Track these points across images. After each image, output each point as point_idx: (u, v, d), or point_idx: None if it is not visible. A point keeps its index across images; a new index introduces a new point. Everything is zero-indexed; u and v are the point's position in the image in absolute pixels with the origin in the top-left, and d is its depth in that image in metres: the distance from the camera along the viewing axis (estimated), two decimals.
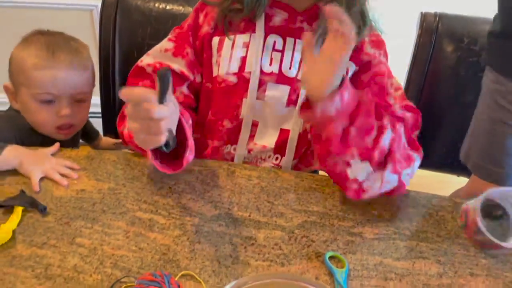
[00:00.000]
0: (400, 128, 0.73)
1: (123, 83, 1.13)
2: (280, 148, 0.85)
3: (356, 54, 0.79)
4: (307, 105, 0.68)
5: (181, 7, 1.05)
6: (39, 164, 0.76)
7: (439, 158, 1.16)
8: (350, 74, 0.80)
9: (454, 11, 1.08)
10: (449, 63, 1.06)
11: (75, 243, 0.66)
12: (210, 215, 0.73)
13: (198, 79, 0.84)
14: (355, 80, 0.79)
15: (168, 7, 1.06)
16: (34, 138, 0.91)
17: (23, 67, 0.85)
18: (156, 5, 1.06)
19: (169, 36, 0.85)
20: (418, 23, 1.08)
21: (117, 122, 0.84)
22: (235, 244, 0.68)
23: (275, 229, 0.72)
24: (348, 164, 0.69)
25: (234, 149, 0.86)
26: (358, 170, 0.69)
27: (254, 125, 0.84)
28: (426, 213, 0.78)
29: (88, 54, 0.94)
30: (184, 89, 0.84)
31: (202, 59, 0.83)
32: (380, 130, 0.69)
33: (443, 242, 0.73)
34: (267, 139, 0.85)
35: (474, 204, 0.73)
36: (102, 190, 0.75)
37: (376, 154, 0.68)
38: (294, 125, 0.83)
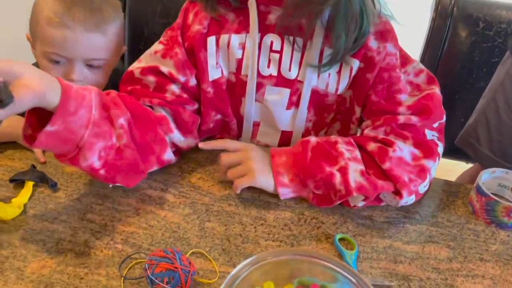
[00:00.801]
0: (404, 145, 0.71)
1: (132, 61, 1.13)
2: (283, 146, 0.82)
3: (360, 49, 0.74)
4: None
5: None
6: None
7: (450, 143, 1.15)
8: (354, 71, 0.75)
9: None
10: (463, 48, 1.04)
11: (86, 218, 0.66)
12: (220, 195, 0.73)
13: (192, 82, 0.77)
14: (362, 79, 0.75)
15: None
16: None
17: (38, 18, 0.81)
18: None
19: (161, 39, 0.80)
20: (432, 6, 1.06)
21: None
22: (244, 224, 0.68)
23: (285, 210, 0.72)
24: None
25: None
26: (353, 200, 0.72)
27: (256, 124, 0.83)
28: (437, 198, 0.78)
29: (114, 14, 0.85)
30: (174, 87, 0.76)
31: (195, 60, 0.76)
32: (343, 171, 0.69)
33: (453, 227, 0.73)
34: (270, 139, 0.84)
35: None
36: None
37: (354, 194, 0.68)
38: (297, 126, 0.81)
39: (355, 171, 0.68)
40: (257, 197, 0.73)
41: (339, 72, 0.76)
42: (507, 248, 0.70)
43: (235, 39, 0.75)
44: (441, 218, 0.74)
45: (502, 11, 1.02)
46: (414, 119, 0.72)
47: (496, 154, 0.99)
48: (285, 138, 0.83)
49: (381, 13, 0.75)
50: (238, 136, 0.86)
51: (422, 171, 0.70)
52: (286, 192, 0.71)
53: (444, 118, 0.76)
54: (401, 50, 0.78)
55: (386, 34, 0.75)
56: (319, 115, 0.81)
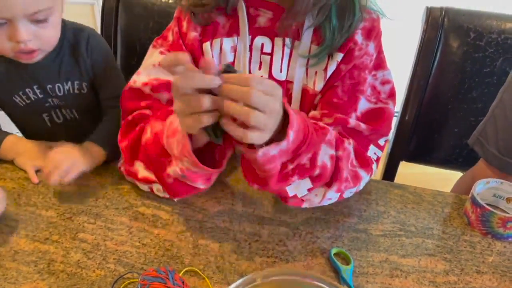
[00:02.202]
0: (349, 145, 0.70)
1: (125, 76, 1.13)
2: None
3: (346, 42, 0.73)
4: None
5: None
6: (33, 158, 0.76)
7: (444, 154, 1.16)
8: (335, 64, 0.74)
9: (459, 5, 1.07)
10: (455, 58, 1.05)
11: (78, 238, 0.66)
12: (213, 211, 0.73)
13: None
14: (337, 68, 0.74)
15: (170, 1, 1.05)
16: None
17: None
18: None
19: (157, 49, 0.79)
20: (423, 17, 1.07)
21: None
22: (239, 240, 0.68)
23: (280, 225, 0.71)
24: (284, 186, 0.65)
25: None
26: (298, 187, 0.66)
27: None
28: (432, 209, 0.78)
29: None
30: None
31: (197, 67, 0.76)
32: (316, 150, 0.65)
33: (449, 239, 0.73)
34: None
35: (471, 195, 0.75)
36: (105, 185, 0.75)
37: (317, 172, 0.65)
38: None
39: (326, 154, 0.66)
40: (251, 212, 0.73)
41: (325, 70, 0.75)
42: (503, 260, 0.70)
43: (227, 43, 0.77)
44: (437, 230, 0.74)
45: (492, 21, 1.03)
46: (363, 126, 0.72)
47: (502, 152, 1.00)
48: None
49: (369, 8, 0.75)
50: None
51: (356, 177, 0.71)
52: (291, 135, 0.58)
53: (389, 136, 0.77)
54: (380, 52, 0.78)
55: (372, 32, 0.75)
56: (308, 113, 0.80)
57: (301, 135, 0.59)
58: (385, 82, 0.77)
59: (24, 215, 0.69)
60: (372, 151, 0.75)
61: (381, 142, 0.76)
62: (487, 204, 0.73)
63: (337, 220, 0.73)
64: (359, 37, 0.74)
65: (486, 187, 0.77)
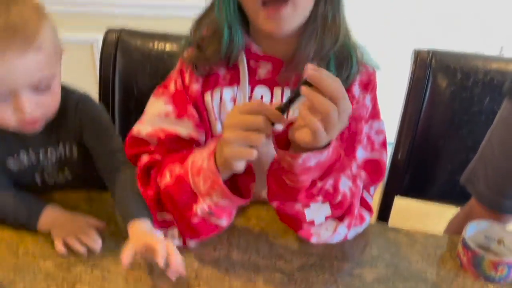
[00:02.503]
0: (360, 183, 0.73)
1: (122, 120, 1.16)
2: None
3: None
4: (284, 142, 0.65)
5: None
6: (65, 230, 0.75)
7: (439, 189, 1.17)
8: None
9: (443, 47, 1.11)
10: (444, 97, 1.08)
11: None
12: (209, 258, 0.74)
13: (203, 138, 0.80)
14: None
15: (167, 48, 1.09)
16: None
17: None
18: (155, 45, 1.09)
19: (160, 98, 0.80)
20: (412, 59, 1.10)
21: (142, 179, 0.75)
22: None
23: (275, 271, 0.72)
24: (307, 205, 0.68)
25: None
26: (318, 212, 0.68)
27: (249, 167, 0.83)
28: (425, 252, 0.79)
29: (38, 20, 0.68)
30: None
31: (201, 118, 0.79)
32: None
33: (443, 282, 0.73)
34: (262, 187, 0.82)
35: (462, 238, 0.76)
36: (102, 233, 0.76)
37: (338, 199, 0.69)
38: None
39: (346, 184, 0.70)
40: (247, 259, 0.74)
41: None
42: None
43: (227, 93, 0.78)
44: (430, 273, 0.75)
45: (478, 62, 1.06)
46: (363, 174, 0.76)
47: (492, 191, 1.02)
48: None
49: (365, 62, 0.79)
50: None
51: (361, 217, 0.76)
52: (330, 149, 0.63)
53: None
54: (376, 104, 0.81)
55: (368, 85, 0.79)
56: None
57: (335, 154, 0.64)
58: (379, 132, 0.80)
59: (22, 266, 0.70)
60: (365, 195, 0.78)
61: (372, 190, 0.78)
62: (479, 245, 0.74)
63: (332, 265, 0.74)
64: (356, 90, 0.78)
65: (477, 229, 0.79)
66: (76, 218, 0.77)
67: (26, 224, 0.76)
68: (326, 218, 0.70)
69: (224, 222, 0.70)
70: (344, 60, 0.75)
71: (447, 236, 0.84)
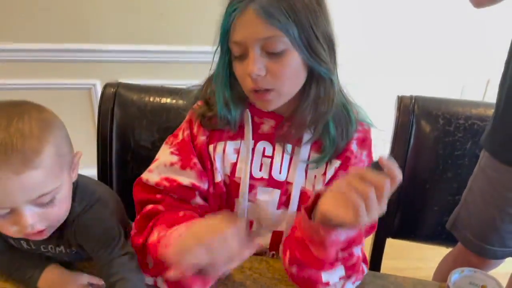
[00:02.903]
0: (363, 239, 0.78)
1: (119, 170, 1.19)
2: (274, 246, 0.87)
3: (343, 151, 0.81)
4: (309, 215, 0.70)
5: (174, 101, 1.13)
6: None
7: (428, 231, 1.20)
8: (333, 170, 0.81)
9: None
10: (428, 142, 1.12)
11: None
12: None
13: (206, 186, 0.84)
14: (335, 175, 0.82)
15: (162, 101, 1.13)
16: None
17: None
18: (151, 99, 1.14)
19: (168, 148, 0.84)
20: (395, 105, 1.15)
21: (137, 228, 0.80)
22: None
23: None
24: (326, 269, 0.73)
25: None
26: (333, 274, 0.73)
27: (250, 224, 0.86)
28: None
29: (41, 134, 0.64)
30: (198, 200, 0.83)
31: (205, 167, 0.83)
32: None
33: None
34: (262, 239, 0.87)
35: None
36: None
37: (353, 261, 0.73)
38: (287, 225, 0.84)
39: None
40: None
41: (324, 174, 0.82)
42: None
43: (230, 145, 0.83)
44: None
45: (458, 108, 1.12)
46: None
47: (476, 237, 1.05)
48: (276, 238, 0.86)
49: (362, 120, 0.84)
50: None
51: (362, 271, 0.80)
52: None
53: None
54: (371, 158, 0.85)
55: (365, 142, 0.84)
56: None
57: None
58: None
59: None
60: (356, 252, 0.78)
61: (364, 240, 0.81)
62: None
63: None
64: (354, 147, 0.82)
65: (461, 276, 0.81)
66: (74, 279, 0.79)
67: (28, 283, 0.78)
68: (340, 278, 0.75)
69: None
70: (342, 120, 0.80)
71: (434, 283, 0.87)
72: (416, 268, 1.54)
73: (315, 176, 0.82)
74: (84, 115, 1.97)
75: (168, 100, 1.13)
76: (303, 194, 0.83)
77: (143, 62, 1.87)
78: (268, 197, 0.83)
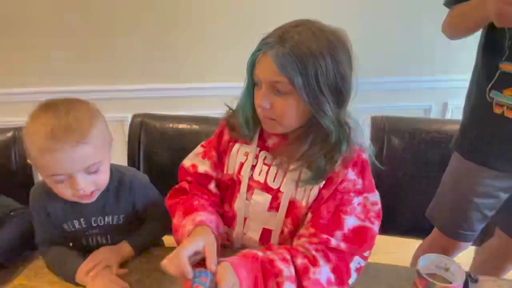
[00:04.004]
0: (315, 274, 0.70)
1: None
2: (264, 241, 0.84)
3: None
4: None
5: (189, 126, 1.17)
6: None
7: (403, 225, 1.20)
8: (317, 188, 0.77)
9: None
10: (398, 154, 1.14)
11: None
12: None
13: (220, 176, 0.87)
14: (318, 194, 0.77)
15: (180, 127, 1.17)
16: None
17: (31, 150, 0.73)
18: (170, 125, 1.18)
19: (202, 143, 0.91)
20: (369, 124, 1.17)
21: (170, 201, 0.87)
22: None
23: None
24: None
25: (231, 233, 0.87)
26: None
27: (246, 219, 0.85)
28: (389, 283, 0.80)
29: (91, 121, 0.74)
30: (212, 186, 0.87)
31: (222, 160, 0.87)
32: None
33: None
34: (254, 234, 0.85)
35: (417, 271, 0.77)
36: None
37: None
38: (276, 226, 0.82)
39: None
40: None
41: (311, 190, 0.78)
42: None
43: (243, 148, 0.84)
44: None
45: (419, 124, 1.14)
46: (343, 246, 0.72)
47: (450, 223, 1.06)
48: (266, 234, 0.83)
49: (355, 142, 0.77)
50: (233, 229, 0.86)
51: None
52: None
53: (371, 250, 0.77)
54: (365, 178, 0.78)
55: (350, 161, 0.76)
56: (295, 223, 0.81)
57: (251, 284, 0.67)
58: (374, 203, 0.77)
59: None
60: (356, 262, 0.74)
61: (365, 253, 0.75)
62: (431, 273, 0.77)
63: None
64: (337, 167, 0.75)
65: (428, 260, 0.81)
66: (105, 276, 0.78)
67: (67, 276, 0.80)
68: None
69: None
70: (332, 152, 0.75)
71: (406, 268, 0.86)
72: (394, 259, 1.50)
73: (304, 189, 0.79)
74: (118, 140, 1.99)
75: (184, 127, 1.17)
76: (291, 203, 0.80)
77: (164, 97, 1.92)
78: (261, 199, 0.82)
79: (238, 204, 0.84)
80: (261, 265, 0.69)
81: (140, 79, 1.86)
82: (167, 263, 0.65)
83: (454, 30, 0.96)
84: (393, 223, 1.19)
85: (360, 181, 0.77)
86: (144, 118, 1.21)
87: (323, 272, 0.71)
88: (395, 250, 1.22)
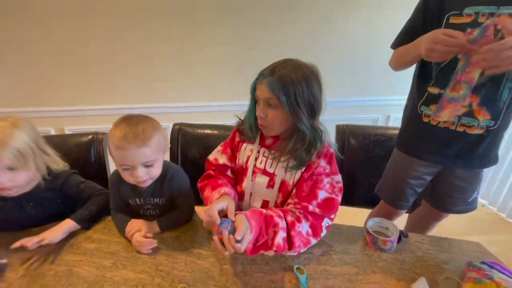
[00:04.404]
0: (300, 228, 0.73)
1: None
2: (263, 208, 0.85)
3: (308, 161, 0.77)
4: None
5: (212, 132, 1.17)
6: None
7: (358, 198, 1.20)
8: (299, 172, 0.77)
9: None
10: (355, 149, 1.15)
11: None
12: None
13: (233, 165, 0.87)
14: (301, 176, 0.78)
15: (205, 132, 1.17)
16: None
17: (109, 145, 0.76)
18: (199, 131, 1.18)
19: (221, 143, 0.91)
20: (335, 130, 1.18)
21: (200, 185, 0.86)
22: (243, 264, 0.72)
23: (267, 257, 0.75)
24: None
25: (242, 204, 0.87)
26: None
27: (251, 194, 0.85)
28: (348, 237, 0.83)
29: (153, 132, 0.76)
30: (229, 173, 0.87)
31: (235, 154, 0.87)
32: (275, 233, 0.70)
33: (357, 254, 0.77)
34: (257, 204, 0.85)
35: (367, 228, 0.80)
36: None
37: (274, 248, 0.70)
38: (271, 198, 0.83)
39: (280, 237, 0.71)
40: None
41: (296, 173, 0.79)
42: (386, 264, 0.74)
43: (249, 146, 0.85)
44: (350, 249, 0.79)
45: (370, 130, 1.15)
46: (317, 210, 0.75)
47: (392, 195, 1.07)
48: (265, 204, 0.84)
49: (325, 141, 0.78)
50: (242, 202, 0.87)
51: (307, 243, 0.74)
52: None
53: (336, 214, 0.78)
54: (333, 166, 0.79)
55: (322, 154, 0.78)
56: (284, 196, 0.82)
57: (258, 230, 0.69)
58: (338, 182, 0.79)
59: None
60: (326, 222, 0.77)
61: (332, 216, 0.78)
62: (375, 231, 0.80)
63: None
64: (314, 158, 0.77)
65: (374, 222, 0.84)
66: (136, 235, 0.79)
67: (122, 232, 0.81)
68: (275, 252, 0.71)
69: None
70: (310, 147, 0.76)
71: (359, 227, 0.88)
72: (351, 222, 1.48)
73: (291, 174, 0.80)
74: None
75: (209, 132, 1.17)
76: (282, 183, 0.81)
77: (195, 112, 1.92)
78: (262, 180, 0.82)
79: (246, 184, 0.84)
80: (264, 218, 0.72)
81: (178, 98, 1.88)
82: (201, 213, 0.68)
83: (397, 64, 0.98)
84: (351, 197, 1.20)
85: (328, 167, 0.79)
86: (181, 126, 1.21)
87: (304, 226, 0.74)
88: (353, 216, 1.23)
